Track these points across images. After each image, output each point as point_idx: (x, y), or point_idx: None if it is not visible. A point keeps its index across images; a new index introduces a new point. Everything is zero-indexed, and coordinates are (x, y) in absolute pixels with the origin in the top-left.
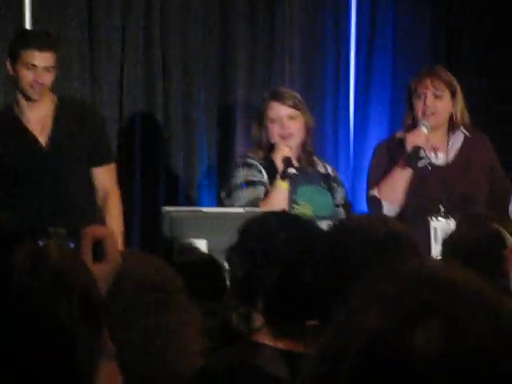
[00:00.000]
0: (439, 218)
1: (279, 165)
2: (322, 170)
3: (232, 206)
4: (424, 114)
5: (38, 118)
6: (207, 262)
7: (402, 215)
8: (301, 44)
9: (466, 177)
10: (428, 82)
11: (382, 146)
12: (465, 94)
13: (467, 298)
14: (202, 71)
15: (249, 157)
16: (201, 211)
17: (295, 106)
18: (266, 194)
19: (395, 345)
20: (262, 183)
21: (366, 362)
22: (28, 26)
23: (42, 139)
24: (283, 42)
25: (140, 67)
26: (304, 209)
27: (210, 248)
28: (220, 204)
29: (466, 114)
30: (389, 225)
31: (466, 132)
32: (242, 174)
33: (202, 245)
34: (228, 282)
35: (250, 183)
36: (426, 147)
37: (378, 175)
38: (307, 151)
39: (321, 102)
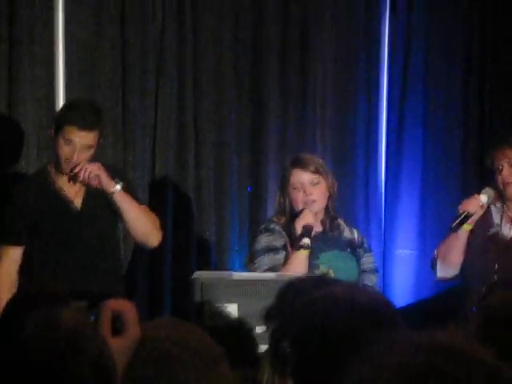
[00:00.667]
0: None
1: (298, 232)
2: (347, 234)
3: (254, 271)
4: (504, 185)
5: (72, 183)
6: (238, 327)
7: (460, 281)
8: (332, 108)
9: None
10: (501, 154)
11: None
12: None
13: (465, 362)
14: (234, 136)
15: (272, 222)
16: (231, 276)
17: (317, 172)
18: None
19: None
20: (284, 248)
21: None
22: (61, 89)
23: (77, 202)
24: (315, 106)
25: (172, 132)
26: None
27: (240, 312)
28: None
29: None
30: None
31: None
32: (264, 240)
33: (233, 309)
34: (259, 346)
35: (271, 249)
36: (478, 214)
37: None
38: (331, 216)
39: (352, 167)
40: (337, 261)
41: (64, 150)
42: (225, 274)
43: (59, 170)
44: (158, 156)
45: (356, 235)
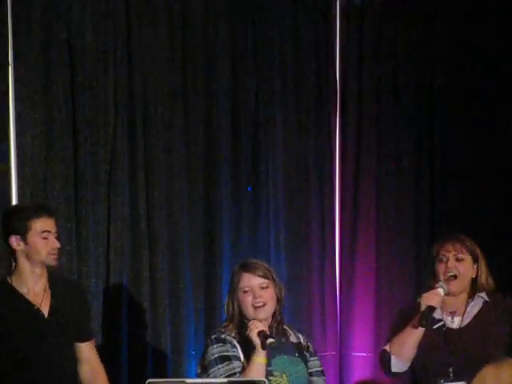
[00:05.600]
0: (449, 381)
1: (255, 341)
2: (293, 339)
3: None
4: (445, 275)
5: (38, 289)
6: None
7: (412, 376)
8: (286, 211)
9: (479, 341)
10: (450, 245)
11: (404, 309)
12: None
13: None
14: (188, 243)
15: (222, 332)
16: (184, 382)
17: (266, 276)
18: (242, 368)
19: None
20: (236, 358)
21: None
22: (14, 201)
23: (44, 310)
24: (268, 210)
25: (126, 241)
26: (280, 379)
27: None
28: None
29: (490, 280)
30: None
31: (485, 297)
32: (216, 351)
33: None
34: None
35: (224, 359)
36: (440, 308)
37: (395, 333)
38: (277, 320)
39: (307, 269)
40: (288, 365)
41: (44, 244)
42: (178, 380)
43: (39, 266)
44: (112, 265)
45: (302, 339)
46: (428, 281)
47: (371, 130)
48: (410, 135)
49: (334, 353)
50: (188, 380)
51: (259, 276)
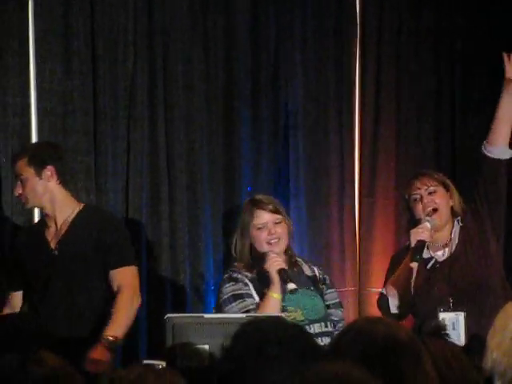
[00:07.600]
0: (448, 310)
1: (273, 276)
2: (308, 272)
3: None
4: (425, 211)
5: (55, 226)
6: (209, 368)
7: (413, 310)
8: (306, 147)
9: (470, 264)
10: (418, 182)
11: (395, 255)
12: None
13: None
14: (207, 177)
15: (233, 271)
16: (202, 317)
17: (278, 211)
18: (256, 305)
19: None
20: (249, 295)
21: None
22: (34, 135)
23: (53, 243)
24: (288, 145)
25: (145, 176)
26: (295, 314)
27: (211, 353)
28: None
29: (462, 204)
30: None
31: (460, 222)
32: (229, 289)
33: (204, 350)
34: None
35: (237, 297)
36: (427, 247)
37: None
38: (289, 255)
39: (327, 205)
40: (301, 299)
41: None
42: (196, 315)
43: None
44: (131, 200)
45: (317, 272)
46: (409, 227)
47: (390, 67)
48: (430, 79)
49: (353, 288)
50: (206, 315)
51: (271, 212)
